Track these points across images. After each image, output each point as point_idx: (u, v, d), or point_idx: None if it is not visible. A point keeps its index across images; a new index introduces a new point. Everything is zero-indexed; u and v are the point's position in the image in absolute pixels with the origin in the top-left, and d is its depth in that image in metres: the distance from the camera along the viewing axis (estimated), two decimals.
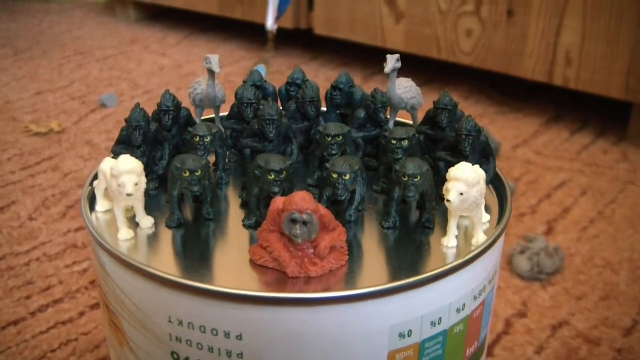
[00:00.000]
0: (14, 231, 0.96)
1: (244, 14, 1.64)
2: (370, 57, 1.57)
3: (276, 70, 1.53)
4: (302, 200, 0.41)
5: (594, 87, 1.22)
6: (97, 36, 1.82)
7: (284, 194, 0.46)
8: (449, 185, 0.44)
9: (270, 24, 1.37)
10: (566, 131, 1.29)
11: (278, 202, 0.42)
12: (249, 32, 1.75)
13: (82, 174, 1.12)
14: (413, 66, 1.44)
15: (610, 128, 1.30)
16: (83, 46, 1.74)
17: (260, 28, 1.46)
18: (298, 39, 1.69)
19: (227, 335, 0.41)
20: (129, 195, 0.45)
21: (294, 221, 0.41)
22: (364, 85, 1.40)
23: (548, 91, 1.43)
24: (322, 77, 1.51)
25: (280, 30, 1.43)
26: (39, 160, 1.16)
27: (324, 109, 0.59)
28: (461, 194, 0.44)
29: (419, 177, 0.46)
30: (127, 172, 0.44)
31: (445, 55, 1.38)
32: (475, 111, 1.35)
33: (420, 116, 0.58)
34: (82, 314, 0.80)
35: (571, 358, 0.74)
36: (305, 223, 0.41)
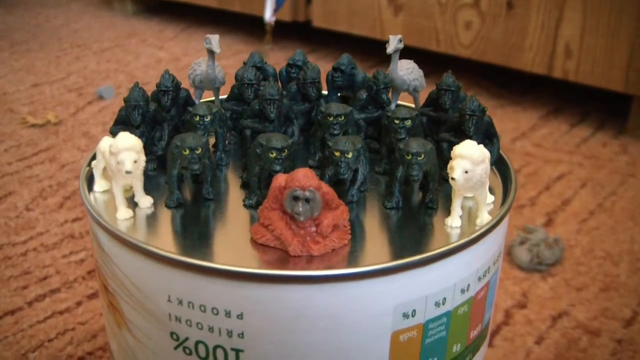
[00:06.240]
0: (10, 221, 0.96)
1: (242, 6, 1.63)
2: (368, 49, 1.56)
3: (274, 63, 1.51)
4: (305, 176, 0.40)
5: (593, 80, 1.22)
6: (94, 29, 1.81)
7: (285, 173, 0.45)
8: (453, 163, 0.43)
9: (269, 16, 1.36)
10: (565, 124, 1.28)
11: (280, 179, 0.42)
12: (247, 25, 1.74)
13: (79, 165, 1.11)
14: (412, 58, 1.43)
15: (610, 121, 1.29)
16: (80, 39, 1.73)
17: (259, 20, 1.45)
18: (296, 31, 1.68)
19: (228, 314, 0.40)
20: (128, 172, 0.44)
21: (296, 198, 0.41)
22: None
23: (547, 84, 1.42)
24: (320, 69, 1.50)
25: (278, 23, 1.42)
26: (35, 151, 1.15)
27: (325, 92, 0.59)
28: (466, 172, 0.43)
29: (422, 156, 0.45)
30: (126, 149, 0.44)
31: (444, 47, 1.37)
32: None
33: (422, 99, 0.57)
34: (79, 304, 0.79)
35: (571, 348, 0.74)
36: (307, 200, 0.40)
